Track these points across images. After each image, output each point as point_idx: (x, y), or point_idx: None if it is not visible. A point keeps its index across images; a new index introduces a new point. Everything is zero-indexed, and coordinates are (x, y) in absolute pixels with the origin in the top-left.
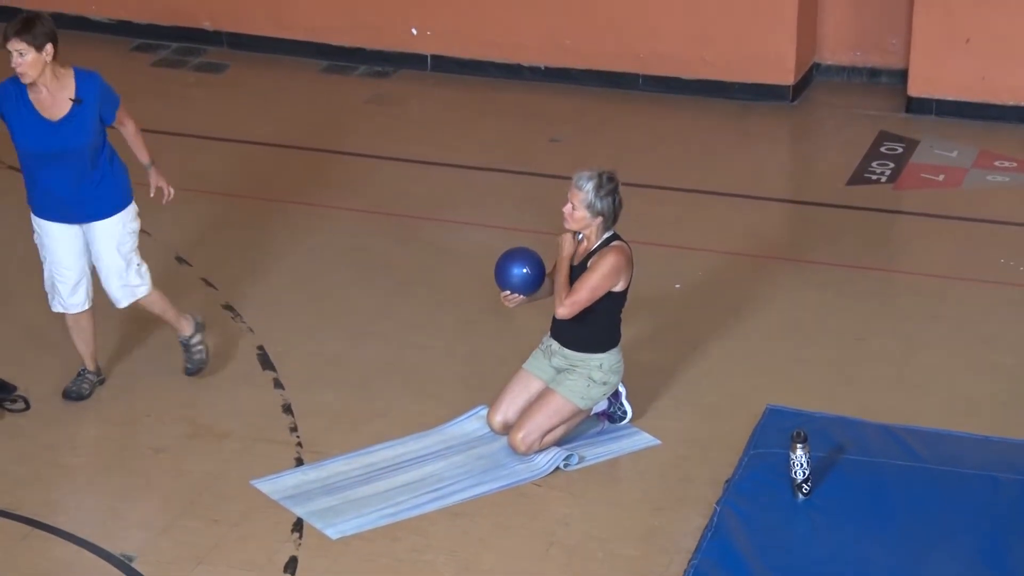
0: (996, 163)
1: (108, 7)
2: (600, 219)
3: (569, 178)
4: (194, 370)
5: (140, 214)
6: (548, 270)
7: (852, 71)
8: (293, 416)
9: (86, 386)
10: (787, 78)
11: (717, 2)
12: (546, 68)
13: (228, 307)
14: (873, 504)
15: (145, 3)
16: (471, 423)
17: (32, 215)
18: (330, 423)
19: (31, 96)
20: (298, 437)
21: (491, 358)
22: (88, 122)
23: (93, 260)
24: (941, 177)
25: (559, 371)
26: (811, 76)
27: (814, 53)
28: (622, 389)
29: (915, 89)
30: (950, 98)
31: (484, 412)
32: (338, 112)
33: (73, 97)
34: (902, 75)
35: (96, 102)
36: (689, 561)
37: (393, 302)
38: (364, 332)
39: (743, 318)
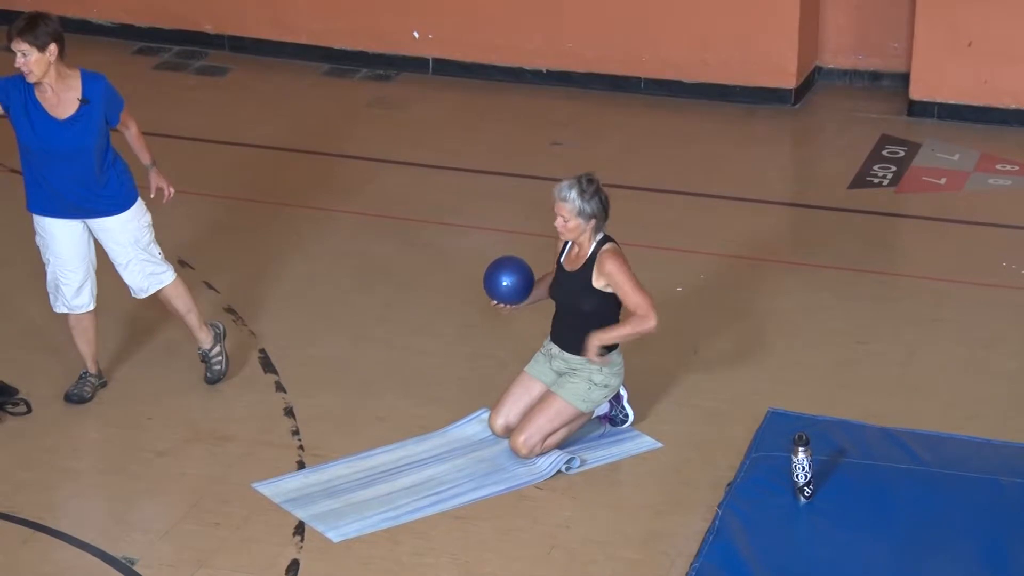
0: (998, 166)
1: (110, 10)
2: (593, 221)
3: None
4: (214, 380)
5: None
6: (541, 274)
7: (854, 74)
8: (295, 419)
9: (88, 389)
10: (789, 82)
11: (719, 6)
12: (548, 71)
13: (230, 310)
14: (875, 507)
15: (147, 6)
16: (472, 426)
17: (34, 216)
18: (332, 426)
19: (38, 95)
20: (300, 440)
21: (492, 361)
22: (94, 123)
23: (111, 258)
24: (943, 180)
25: (560, 374)
26: (813, 80)
27: (816, 57)
28: (624, 392)
29: (917, 92)
30: (952, 101)
31: (486, 415)
32: (340, 116)
33: (81, 98)
34: (904, 78)
35: (102, 104)
36: (691, 564)
37: (395, 305)
38: (366, 335)
39: (745, 321)
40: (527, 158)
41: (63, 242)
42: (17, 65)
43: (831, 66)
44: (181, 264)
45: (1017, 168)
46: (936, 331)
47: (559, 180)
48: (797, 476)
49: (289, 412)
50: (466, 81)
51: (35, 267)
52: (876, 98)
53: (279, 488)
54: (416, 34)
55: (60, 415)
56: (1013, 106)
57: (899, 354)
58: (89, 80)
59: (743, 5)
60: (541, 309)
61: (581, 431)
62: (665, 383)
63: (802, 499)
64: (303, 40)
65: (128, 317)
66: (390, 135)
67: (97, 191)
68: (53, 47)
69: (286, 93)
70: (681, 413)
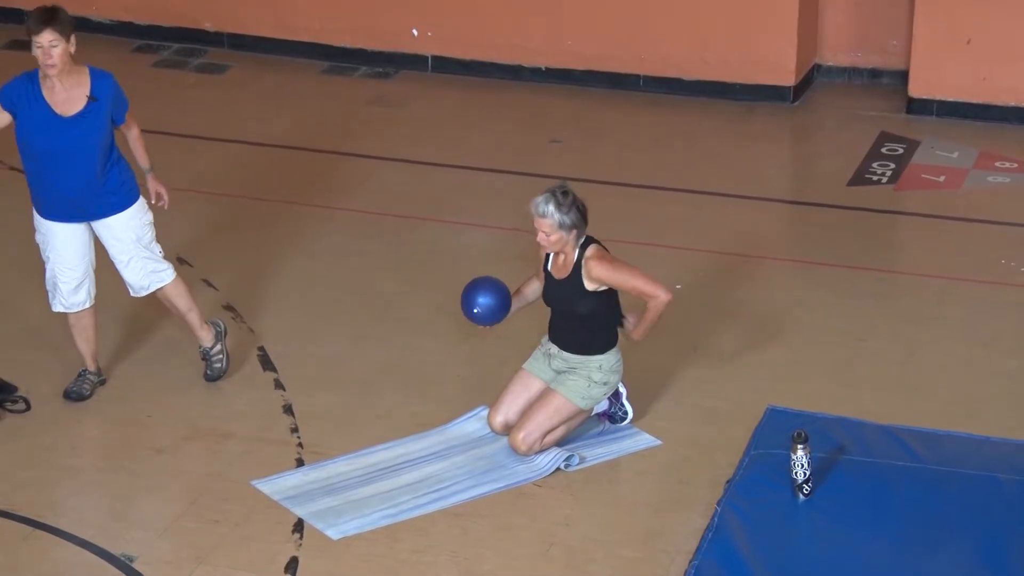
0: (997, 164)
1: (109, 8)
2: (575, 231)
3: (570, 179)
4: (214, 377)
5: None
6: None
7: (853, 72)
8: (294, 417)
9: (87, 386)
10: (788, 79)
11: (718, 3)
12: (547, 69)
13: (229, 307)
14: (874, 505)
15: (146, 4)
16: (472, 424)
17: (36, 216)
18: (331, 424)
19: (44, 93)
20: (299, 438)
21: (492, 359)
22: (100, 120)
23: (112, 256)
24: (942, 178)
25: (559, 372)
26: (812, 77)
27: (815, 54)
28: (623, 389)
29: (916, 90)
30: (951, 99)
31: (485, 413)
32: (339, 113)
33: (89, 94)
34: (903, 76)
35: (109, 101)
36: (690, 562)
37: (394, 303)
38: (365, 333)
39: (744, 319)
40: (527, 156)
41: (64, 240)
42: (43, 59)
43: (830, 63)
44: (180, 262)
45: (1016, 165)
46: (935, 328)
47: (559, 178)
48: (796, 473)
49: (288, 409)
50: (465, 79)
51: (35, 265)
52: (875, 95)
53: (278, 485)
54: (415, 32)
55: (59, 413)
56: (1012, 103)
57: (898, 352)
58: (97, 77)
59: (742, 3)
60: (541, 307)
61: (580, 428)
62: (664, 380)
63: (801, 496)
64: (302, 38)
65: (127, 315)
66: (389, 133)
67: (100, 191)
68: (73, 39)
69: (285, 91)
70: (680, 410)
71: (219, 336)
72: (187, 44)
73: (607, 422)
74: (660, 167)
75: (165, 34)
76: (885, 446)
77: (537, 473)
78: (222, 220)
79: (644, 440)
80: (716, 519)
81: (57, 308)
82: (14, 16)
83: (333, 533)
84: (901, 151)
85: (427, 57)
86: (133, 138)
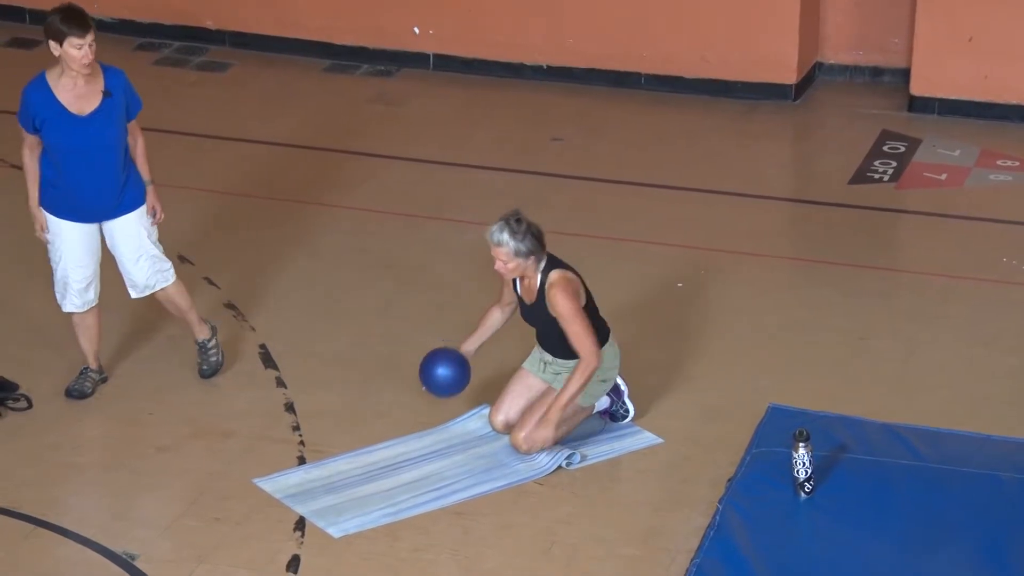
0: (998, 162)
1: (111, 6)
2: (532, 257)
3: (572, 177)
4: (210, 372)
5: None
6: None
7: (854, 70)
8: (295, 415)
9: (89, 384)
10: (789, 77)
11: (719, 2)
12: (548, 67)
13: (230, 306)
14: (875, 503)
15: (148, 2)
16: (473, 422)
17: (47, 215)
18: (332, 422)
19: (59, 94)
20: (300, 436)
21: (493, 358)
22: (116, 115)
23: (121, 254)
24: (943, 176)
25: (557, 374)
26: (813, 75)
27: (816, 52)
28: (624, 388)
29: (917, 88)
30: (952, 97)
31: (486, 411)
32: (340, 111)
33: (104, 90)
34: (904, 74)
35: (123, 96)
36: (691, 561)
37: (395, 301)
38: (366, 331)
39: (745, 317)
40: (528, 154)
41: (76, 243)
42: (81, 59)
43: (832, 62)
44: (181, 260)
45: (1018, 164)
46: (937, 327)
47: (560, 176)
48: (797, 472)
49: (290, 408)
50: (467, 77)
51: (35, 264)
52: (877, 94)
53: (280, 484)
54: (417, 30)
55: (61, 411)
56: (1014, 102)
57: (900, 350)
58: (110, 73)
59: (744, 1)
60: None
61: (582, 426)
62: (666, 379)
63: (802, 495)
64: (304, 36)
65: (129, 313)
66: (391, 131)
67: (118, 192)
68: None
69: (287, 89)
70: (681, 409)
71: (213, 330)
72: (188, 42)
73: (608, 420)
74: (661, 165)
75: (166, 32)
76: (887, 444)
77: (538, 471)
78: (223, 218)
79: (645, 438)
80: (717, 517)
81: (68, 308)
82: (14, 14)
83: (334, 531)
84: (903, 149)
85: (429, 55)
86: (138, 149)
